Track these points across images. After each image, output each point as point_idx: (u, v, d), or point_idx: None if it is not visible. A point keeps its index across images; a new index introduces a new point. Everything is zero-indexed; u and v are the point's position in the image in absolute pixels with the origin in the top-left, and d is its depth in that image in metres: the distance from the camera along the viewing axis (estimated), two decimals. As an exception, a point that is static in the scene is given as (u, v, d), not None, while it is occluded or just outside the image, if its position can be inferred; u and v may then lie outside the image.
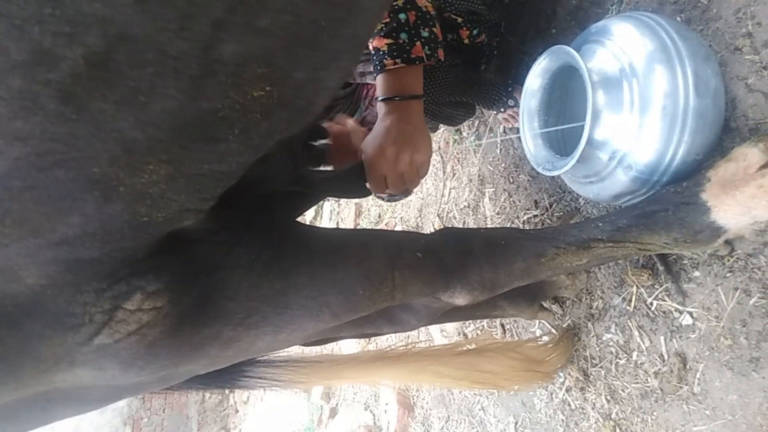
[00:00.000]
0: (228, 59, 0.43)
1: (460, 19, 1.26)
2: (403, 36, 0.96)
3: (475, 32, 1.31)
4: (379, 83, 1.00)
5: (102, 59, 0.38)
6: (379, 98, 0.99)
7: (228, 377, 1.01)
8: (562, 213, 1.39)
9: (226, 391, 4.83)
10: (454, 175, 2.06)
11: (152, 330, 0.62)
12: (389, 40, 0.96)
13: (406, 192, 1.08)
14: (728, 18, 0.93)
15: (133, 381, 0.69)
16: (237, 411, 4.88)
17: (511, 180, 1.65)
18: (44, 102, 0.38)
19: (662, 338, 1.07)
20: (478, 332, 1.79)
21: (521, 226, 1.56)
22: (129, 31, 0.37)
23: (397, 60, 0.96)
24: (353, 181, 1.03)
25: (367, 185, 1.05)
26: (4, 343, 0.56)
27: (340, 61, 0.54)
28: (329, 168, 1.20)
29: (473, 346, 1.23)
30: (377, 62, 0.98)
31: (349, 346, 2.57)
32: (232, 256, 0.70)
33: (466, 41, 1.31)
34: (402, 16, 0.96)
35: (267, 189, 0.84)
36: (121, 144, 0.43)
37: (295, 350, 1.05)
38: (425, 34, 0.98)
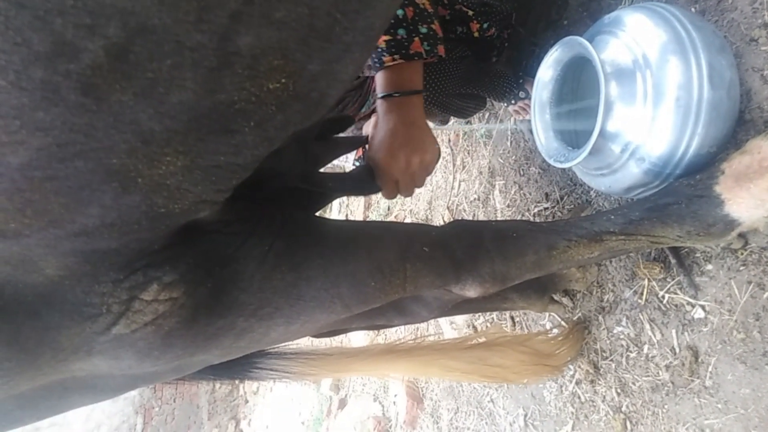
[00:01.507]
0: (244, 51, 0.43)
1: (470, 12, 1.25)
2: (401, 32, 0.95)
3: (485, 26, 1.30)
4: (378, 81, 0.99)
5: (122, 51, 0.38)
6: (379, 96, 0.98)
7: (239, 368, 1.02)
8: (573, 206, 1.38)
9: (236, 382, 4.87)
10: (464, 167, 2.06)
11: (168, 320, 0.63)
12: (387, 37, 0.95)
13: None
14: (744, 8, 0.92)
15: (149, 370, 0.70)
16: (247, 401, 4.93)
17: (521, 172, 1.64)
18: (65, 93, 0.38)
19: (674, 331, 1.07)
20: (488, 325, 1.79)
21: (532, 218, 1.56)
22: (148, 22, 0.37)
23: (396, 56, 0.95)
24: (364, 180, 1.03)
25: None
26: (23, 333, 0.56)
27: (354, 54, 0.53)
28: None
29: (483, 339, 1.23)
30: (375, 59, 0.97)
31: (358, 338, 2.58)
32: (245, 248, 0.71)
33: (476, 34, 1.30)
34: (399, 12, 0.96)
35: (280, 183, 0.84)
36: (139, 135, 0.44)
37: (305, 342, 1.06)
38: (423, 30, 0.97)
